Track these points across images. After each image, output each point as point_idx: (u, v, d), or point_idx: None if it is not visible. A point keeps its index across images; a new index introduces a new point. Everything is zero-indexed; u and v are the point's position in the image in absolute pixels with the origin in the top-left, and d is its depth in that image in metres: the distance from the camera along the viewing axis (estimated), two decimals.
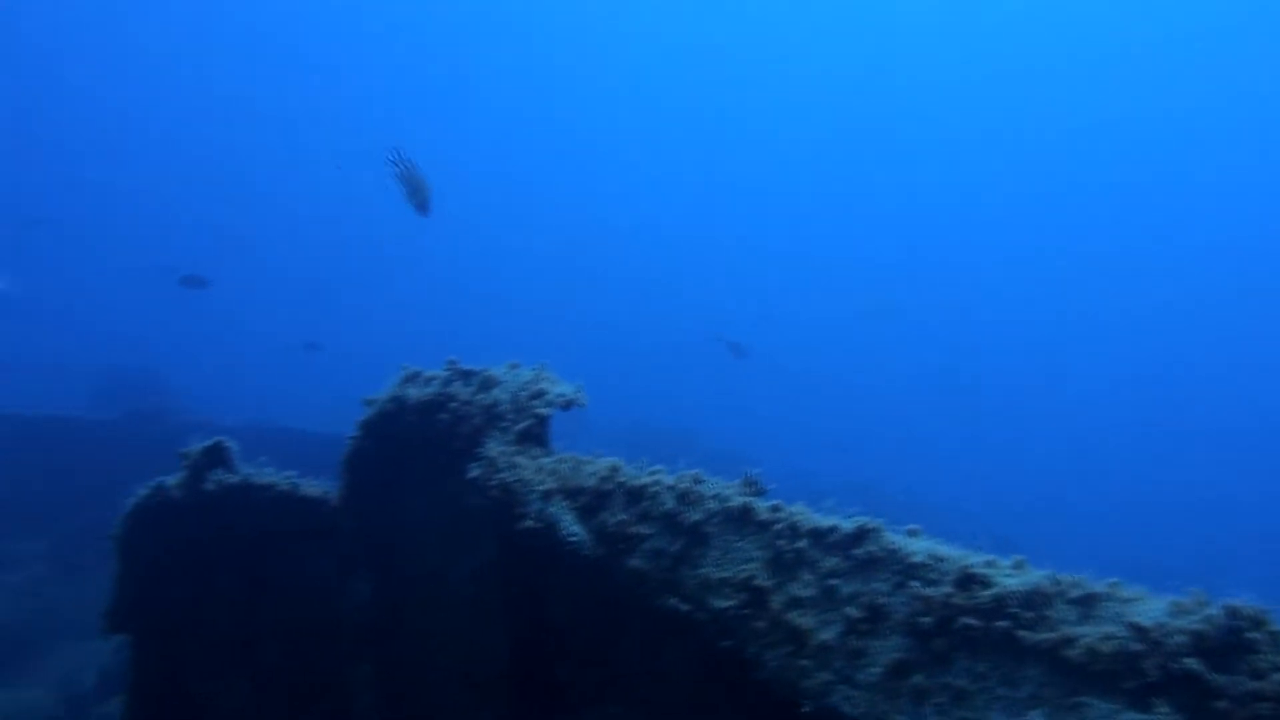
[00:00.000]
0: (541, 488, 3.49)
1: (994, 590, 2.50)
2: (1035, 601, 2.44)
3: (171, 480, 4.64)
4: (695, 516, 3.14)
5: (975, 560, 2.63)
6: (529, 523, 3.44)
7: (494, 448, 3.67)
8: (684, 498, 3.20)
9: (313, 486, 4.53)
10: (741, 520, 3.11)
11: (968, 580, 2.56)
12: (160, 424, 17.13)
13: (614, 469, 3.35)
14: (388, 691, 4.08)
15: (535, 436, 3.79)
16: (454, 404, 3.96)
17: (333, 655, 4.31)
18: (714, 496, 3.18)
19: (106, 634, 4.92)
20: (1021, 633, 2.38)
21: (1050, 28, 62.15)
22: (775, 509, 3.08)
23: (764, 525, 3.06)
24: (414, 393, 4.14)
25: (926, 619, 2.56)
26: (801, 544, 2.97)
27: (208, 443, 4.61)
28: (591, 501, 3.36)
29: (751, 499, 3.15)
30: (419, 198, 6.08)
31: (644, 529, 3.18)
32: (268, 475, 4.52)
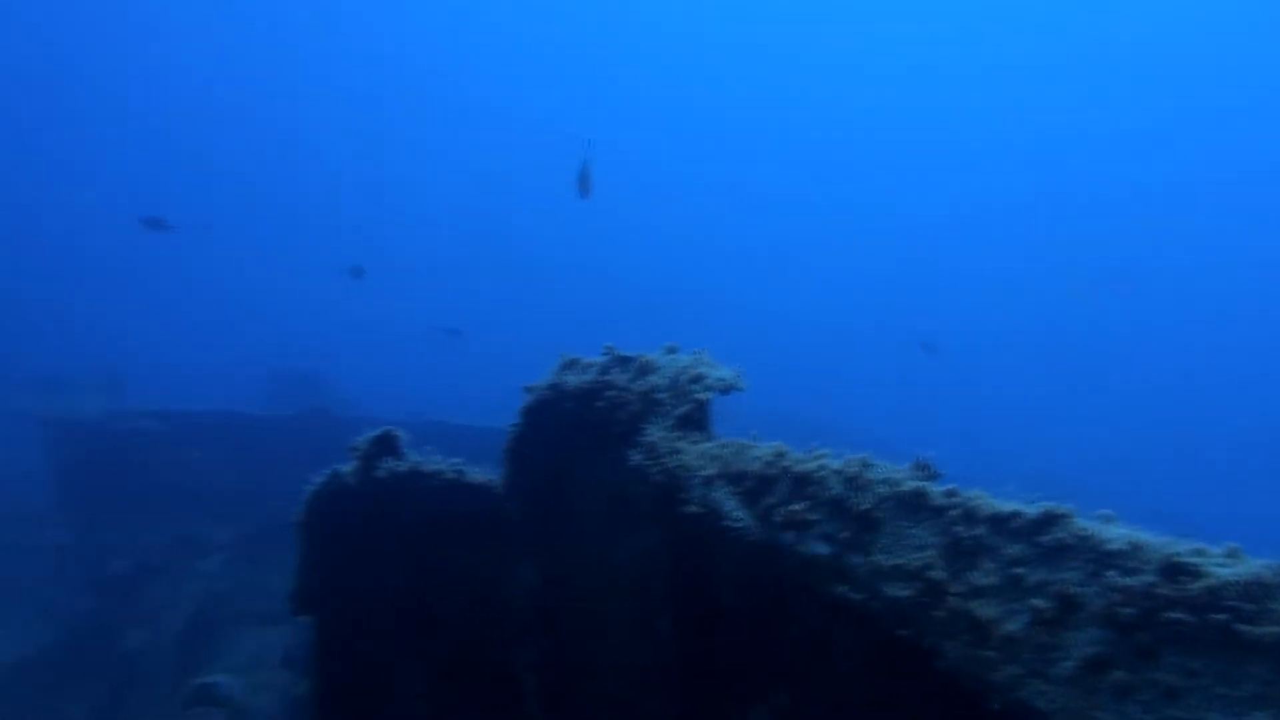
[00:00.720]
0: (703, 473, 3.45)
1: (1206, 581, 2.29)
2: (1256, 593, 2.22)
3: (345, 468, 4.86)
4: (865, 502, 3.02)
5: (1181, 548, 2.42)
6: (691, 509, 3.40)
7: (654, 433, 3.65)
8: (852, 482, 3.09)
9: (477, 474, 4.64)
10: (914, 506, 2.98)
11: (1174, 570, 2.36)
12: (328, 421, 18.13)
13: (779, 453, 3.27)
14: (554, 676, 4.14)
15: (695, 421, 3.75)
16: (611, 391, 3.97)
17: (500, 639, 4.40)
18: (884, 481, 3.06)
19: (291, 616, 5.20)
20: (1241, 627, 2.17)
21: None
22: (950, 494, 2.94)
23: (939, 511, 2.92)
24: (572, 380, 4.18)
25: (1127, 611, 2.37)
26: (980, 530, 2.81)
27: (377, 432, 4.79)
28: (755, 486, 3.29)
29: (924, 484, 3.01)
30: (584, 184, 6.63)
31: (811, 515, 3.09)
32: (435, 463, 4.66)
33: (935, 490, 2.97)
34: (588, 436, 4.04)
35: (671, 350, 4.04)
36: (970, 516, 2.85)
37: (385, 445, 4.74)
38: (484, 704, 4.40)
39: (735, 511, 3.28)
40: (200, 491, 16.98)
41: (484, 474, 4.69)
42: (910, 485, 3.01)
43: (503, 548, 4.50)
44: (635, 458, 3.67)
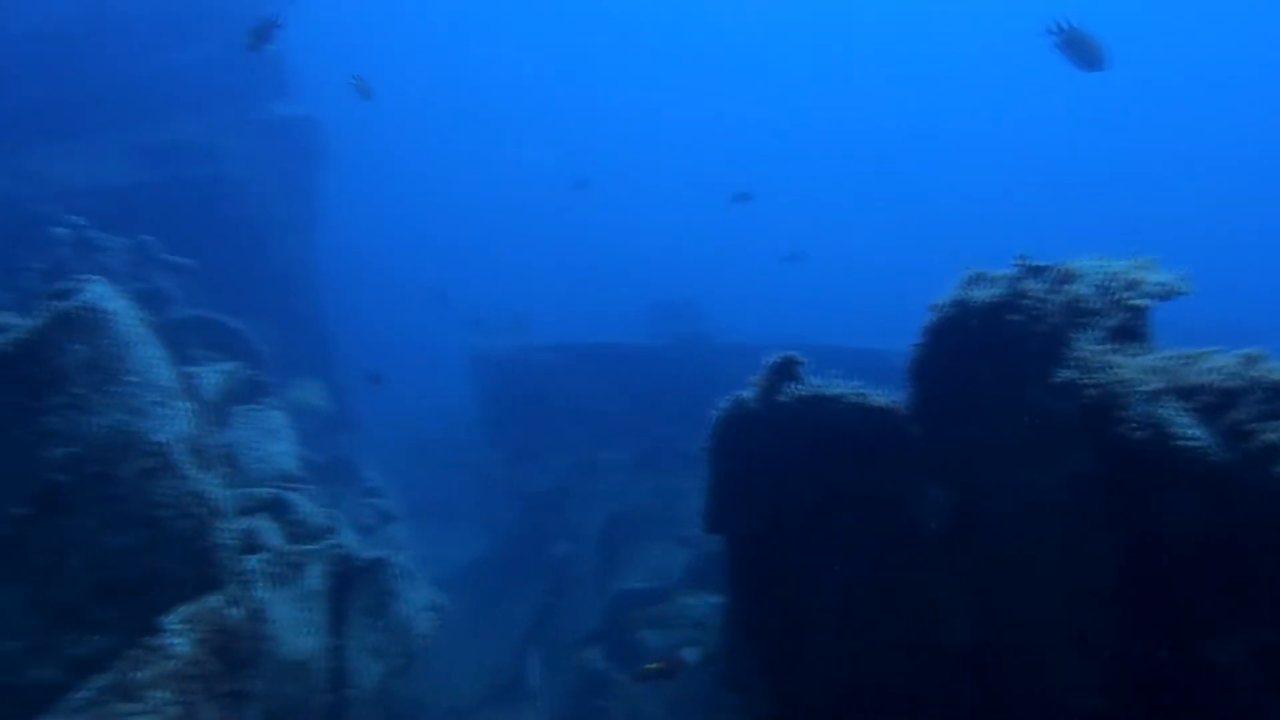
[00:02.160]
0: (1146, 388, 3.13)
1: None
2: None
3: (748, 394, 5.04)
4: None
5: None
6: (1133, 428, 3.12)
7: (1085, 347, 3.37)
8: None
9: (880, 396, 4.60)
10: None
11: None
12: (706, 347, 18.95)
13: (1249, 360, 2.88)
14: (979, 601, 4.04)
15: (1132, 332, 3.41)
16: (1027, 301, 3.72)
17: (914, 561, 4.38)
18: None
19: (705, 534, 5.56)
20: None
21: None
22: None
23: None
24: (979, 294, 3.97)
25: None
26: None
27: (778, 358, 4.90)
28: (1215, 401, 2.94)
29: None
30: (1087, 54, 6.23)
31: None
32: (836, 386, 4.68)
33: None
34: (1002, 352, 3.83)
35: (1098, 256, 3.68)
36: None
37: (786, 371, 4.84)
38: (902, 621, 4.42)
39: (1189, 430, 2.95)
40: (598, 416, 18.61)
41: (886, 395, 4.63)
42: None
43: (910, 468, 4.44)
44: (1062, 374, 3.42)
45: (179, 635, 4.16)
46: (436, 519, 18.72)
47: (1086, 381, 3.28)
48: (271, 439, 7.67)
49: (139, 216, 14.07)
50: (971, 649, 4.20)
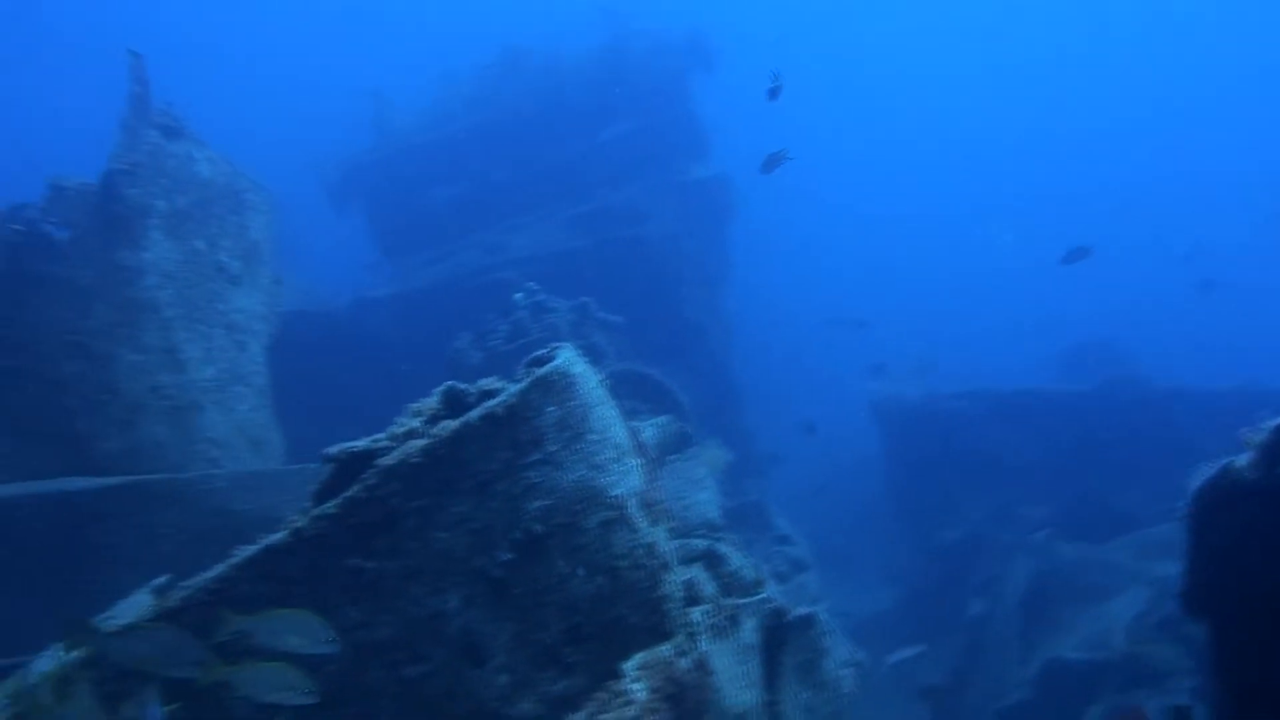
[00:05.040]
0: None
1: None
2: None
3: (1240, 461, 4.35)
4: None
5: None
6: None
7: None
8: None
9: None
10: None
11: None
12: (1141, 393, 16.93)
13: None
14: None
15: None
16: None
17: None
18: None
19: (1184, 616, 4.89)
20: None
21: None
22: None
23: None
24: None
25: None
26: None
27: (1277, 421, 4.19)
28: None
29: None
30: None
31: None
32: None
33: None
34: None
35: None
36: None
37: None
38: None
39: None
40: (1013, 467, 17.33)
41: None
42: None
43: None
44: None
45: (637, 681, 4.42)
46: (836, 566, 18.51)
47: None
48: (697, 488, 8.02)
49: (574, 278, 15.75)
50: None
